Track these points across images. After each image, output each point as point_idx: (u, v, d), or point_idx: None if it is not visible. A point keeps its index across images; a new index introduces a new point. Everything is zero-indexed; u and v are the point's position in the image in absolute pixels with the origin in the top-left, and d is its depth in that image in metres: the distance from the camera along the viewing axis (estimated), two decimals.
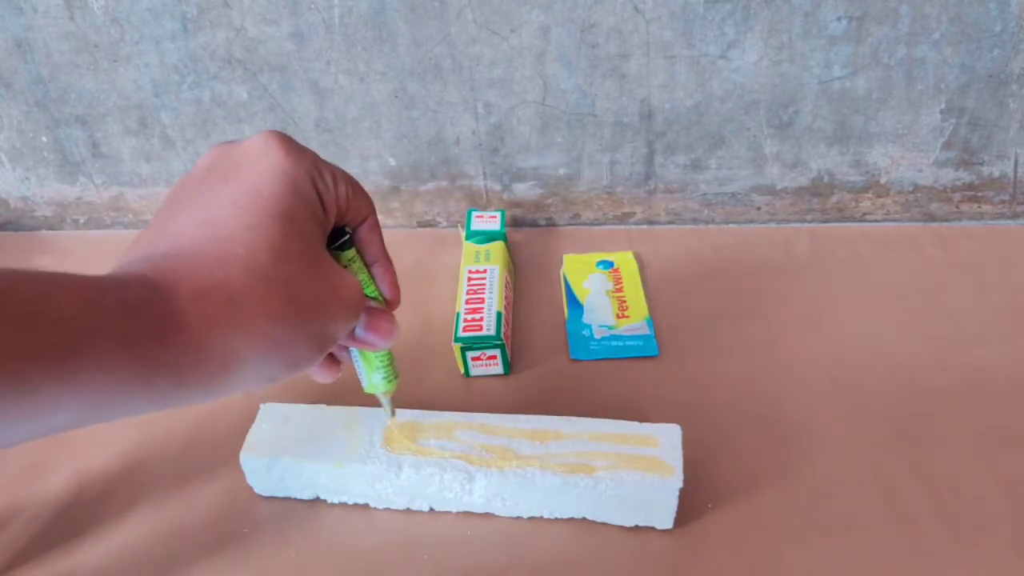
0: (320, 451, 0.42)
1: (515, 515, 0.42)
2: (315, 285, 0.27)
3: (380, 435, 0.42)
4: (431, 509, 0.42)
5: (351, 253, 0.33)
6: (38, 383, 0.20)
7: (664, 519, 0.40)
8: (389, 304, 0.35)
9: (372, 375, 0.36)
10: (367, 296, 0.33)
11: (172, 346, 0.23)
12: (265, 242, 0.26)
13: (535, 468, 0.40)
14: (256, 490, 0.43)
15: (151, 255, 0.26)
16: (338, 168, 0.31)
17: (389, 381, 0.37)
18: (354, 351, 0.36)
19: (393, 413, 0.39)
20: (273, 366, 0.26)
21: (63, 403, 0.21)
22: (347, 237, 0.32)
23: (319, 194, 0.29)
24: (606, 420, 0.42)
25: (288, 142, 0.29)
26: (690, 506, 0.41)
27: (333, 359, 0.35)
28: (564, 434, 0.41)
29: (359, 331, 0.32)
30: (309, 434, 0.43)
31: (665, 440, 0.41)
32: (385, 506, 0.42)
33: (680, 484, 0.38)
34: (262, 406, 0.44)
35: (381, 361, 0.36)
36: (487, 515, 0.42)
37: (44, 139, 0.65)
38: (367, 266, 0.34)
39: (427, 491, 0.41)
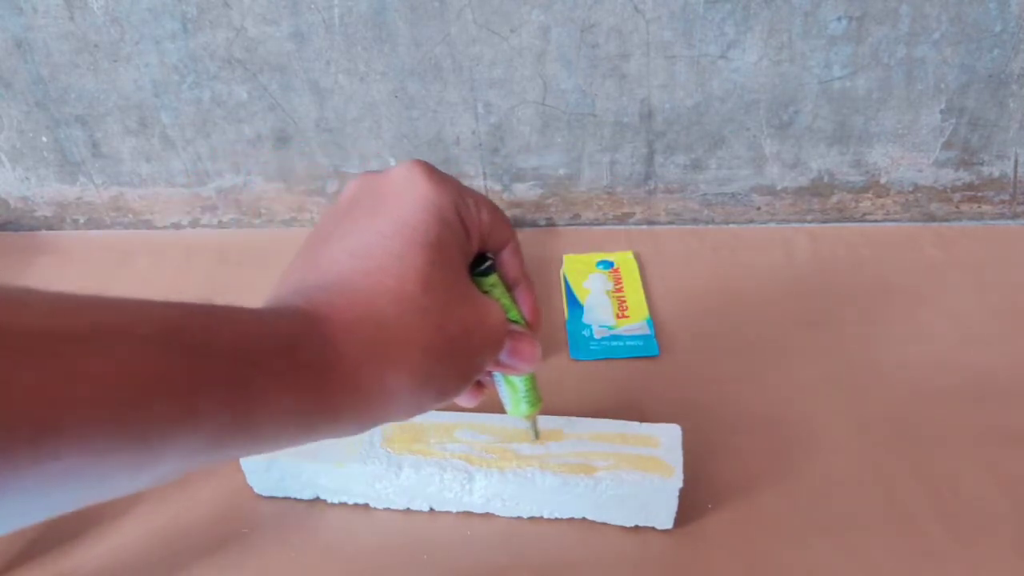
0: (320, 451, 0.42)
1: (515, 515, 0.42)
2: (463, 314, 0.27)
3: (380, 435, 0.42)
4: (431, 509, 0.42)
5: (493, 278, 0.32)
6: (204, 415, 0.20)
7: (664, 519, 0.40)
8: (530, 327, 0.34)
9: (517, 399, 0.36)
10: (510, 320, 0.33)
11: (329, 379, 0.23)
12: (414, 272, 0.26)
13: (535, 468, 0.40)
14: (256, 490, 0.43)
15: (303, 288, 0.26)
16: (480, 194, 0.31)
17: (533, 405, 0.37)
18: (497, 375, 0.36)
19: (537, 435, 0.39)
20: (424, 396, 0.26)
21: (224, 435, 0.21)
22: (490, 263, 0.32)
23: (463, 222, 0.29)
24: (606, 420, 0.42)
25: (432, 171, 0.29)
26: (690, 506, 0.41)
27: (478, 384, 0.35)
28: (564, 434, 0.41)
29: (503, 356, 0.32)
30: None
31: (665, 440, 0.41)
32: (385, 506, 0.42)
33: (680, 484, 0.38)
34: None
35: (525, 385, 0.36)
36: (487, 515, 0.42)
37: (44, 139, 0.65)
38: (509, 290, 0.34)
39: (427, 491, 0.41)
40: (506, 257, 0.33)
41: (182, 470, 0.21)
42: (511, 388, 0.36)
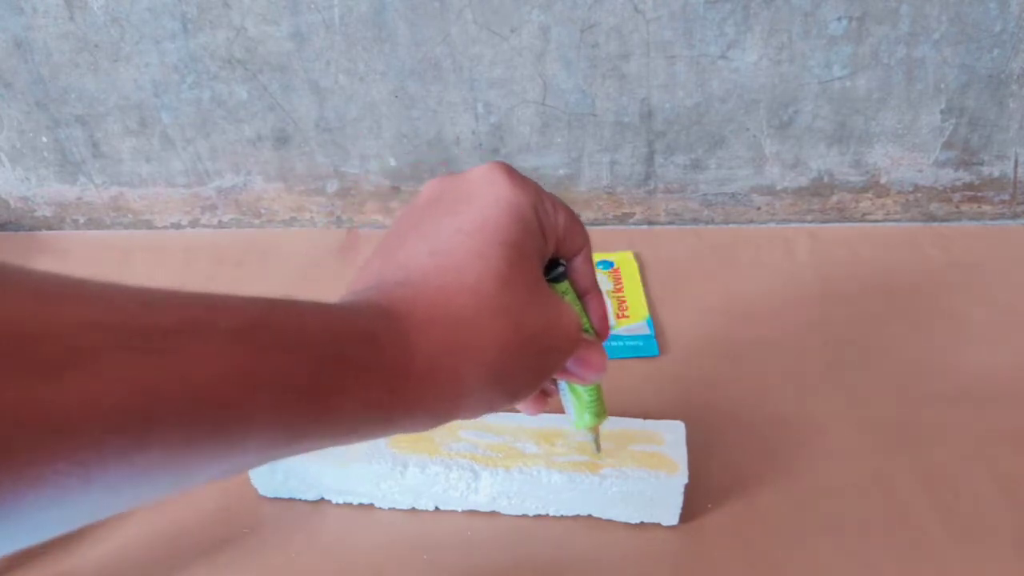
0: (324, 451, 0.41)
1: (521, 513, 0.42)
2: (539, 315, 0.27)
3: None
4: (436, 508, 0.42)
5: (565, 285, 0.32)
6: (289, 409, 0.20)
7: (670, 515, 0.40)
8: (599, 336, 0.34)
9: (581, 410, 0.36)
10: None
11: (406, 374, 0.23)
12: (492, 270, 0.26)
13: (540, 467, 0.40)
14: (260, 491, 0.43)
15: (381, 283, 0.26)
16: (558, 199, 0.31)
17: (597, 415, 0.36)
18: (563, 385, 0.35)
19: (599, 448, 0.39)
20: (496, 395, 0.27)
21: (306, 428, 0.21)
22: (562, 269, 0.32)
23: (541, 224, 0.29)
24: (609, 417, 0.42)
25: (512, 172, 0.29)
26: (692, 505, 0.41)
27: (543, 392, 0.35)
28: (569, 432, 0.41)
29: (571, 364, 0.31)
30: None
31: (669, 436, 0.41)
32: (390, 506, 0.42)
33: (685, 480, 0.38)
34: None
35: (591, 395, 0.35)
36: (492, 513, 0.42)
37: (44, 139, 0.65)
38: (579, 297, 0.33)
39: (432, 490, 0.41)
40: (579, 264, 0.33)
41: (262, 461, 0.21)
42: (576, 398, 0.35)
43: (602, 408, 0.36)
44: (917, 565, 0.38)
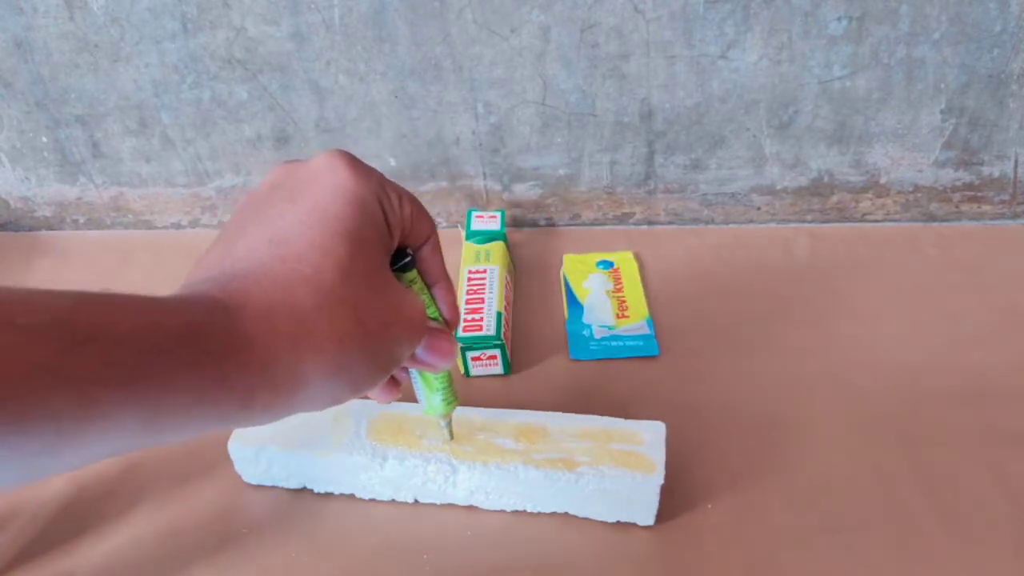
0: (307, 441, 0.42)
1: (498, 508, 0.42)
2: (382, 306, 0.27)
3: (366, 427, 0.42)
4: (415, 501, 0.43)
5: (412, 274, 0.32)
6: (104, 405, 0.20)
7: (646, 515, 0.40)
8: (449, 325, 0.34)
9: (432, 397, 0.36)
10: (428, 317, 0.33)
11: (240, 367, 0.23)
12: (333, 262, 0.26)
13: (518, 462, 0.40)
14: (244, 478, 0.44)
15: (218, 275, 0.26)
16: (403, 188, 0.31)
17: (448, 403, 0.36)
18: (414, 373, 0.36)
19: (452, 436, 0.39)
20: (338, 388, 0.26)
21: (127, 424, 0.21)
22: (409, 258, 0.32)
23: (385, 214, 0.29)
24: (591, 416, 0.42)
25: (354, 161, 0.29)
26: (690, 505, 0.41)
27: (393, 380, 0.35)
28: (550, 429, 0.42)
29: (420, 352, 0.32)
30: (297, 424, 0.43)
31: (649, 437, 0.41)
32: (371, 496, 0.43)
33: (661, 481, 0.38)
34: None
35: (440, 383, 0.36)
36: (472, 511, 0.42)
37: (44, 139, 0.65)
38: (428, 287, 0.34)
39: (411, 483, 0.42)
40: (426, 253, 0.33)
41: (115, 452, 0.21)
42: (427, 386, 0.36)
43: (453, 396, 0.36)
44: (917, 565, 0.38)
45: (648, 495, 0.39)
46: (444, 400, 0.36)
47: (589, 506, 0.41)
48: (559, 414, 0.42)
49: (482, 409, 0.43)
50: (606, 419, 0.42)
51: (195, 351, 0.22)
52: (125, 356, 0.21)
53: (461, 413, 0.42)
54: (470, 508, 0.42)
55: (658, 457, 0.39)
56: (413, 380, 0.36)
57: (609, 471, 0.39)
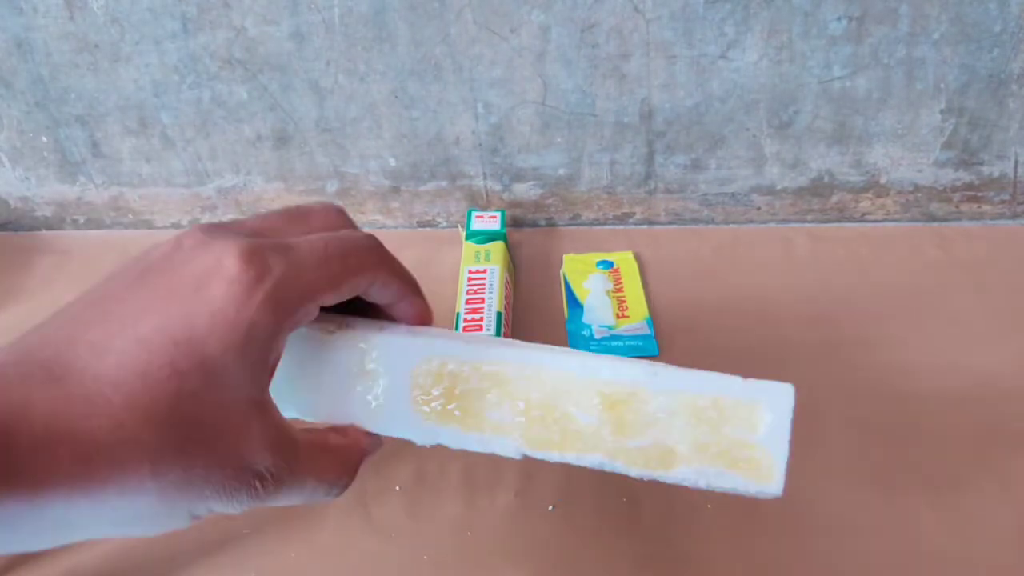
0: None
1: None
2: (202, 452, 0.22)
3: (408, 392, 0.30)
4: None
5: None
6: None
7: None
8: (424, 322, 0.31)
9: None
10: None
11: (4, 494, 0.19)
12: (152, 396, 0.21)
13: (601, 456, 0.29)
14: None
15: (26, 361, 0.21)
16: (345, 244, 0.27)
17: None
18: None
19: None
20: (129, 534, 0.23)
21: None
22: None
23: (296, 319, 0.24)
24: (699, 373, 0.31)
25: (253, 259, 0.23)
26: (690, 504, 0.41)
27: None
28: (645, 396, 0.30)
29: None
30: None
31: (770, 416, 0.30)
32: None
33: (779, 492, 0.30)
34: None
35: None
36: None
37: (44, 139, 0.65)
38: (389, 310, 0.30)
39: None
40: (376, 292, 0.29)
41: None
42: None
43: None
44: (917, 565, 0.38)
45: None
46: None
47: None
48: (658, 366, 0.31)
49: (546, 347, 0.32)
50: (718, 380, 0.31)
51: None
52: None
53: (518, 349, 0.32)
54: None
55: (779, 453, 0.29)
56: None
57: (715, 475, 0.29)
